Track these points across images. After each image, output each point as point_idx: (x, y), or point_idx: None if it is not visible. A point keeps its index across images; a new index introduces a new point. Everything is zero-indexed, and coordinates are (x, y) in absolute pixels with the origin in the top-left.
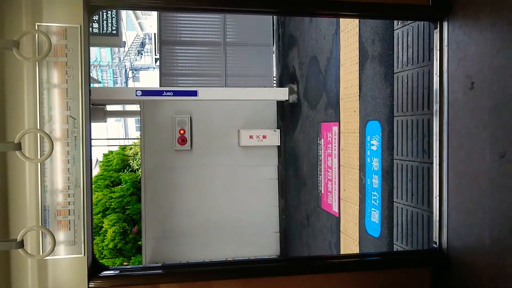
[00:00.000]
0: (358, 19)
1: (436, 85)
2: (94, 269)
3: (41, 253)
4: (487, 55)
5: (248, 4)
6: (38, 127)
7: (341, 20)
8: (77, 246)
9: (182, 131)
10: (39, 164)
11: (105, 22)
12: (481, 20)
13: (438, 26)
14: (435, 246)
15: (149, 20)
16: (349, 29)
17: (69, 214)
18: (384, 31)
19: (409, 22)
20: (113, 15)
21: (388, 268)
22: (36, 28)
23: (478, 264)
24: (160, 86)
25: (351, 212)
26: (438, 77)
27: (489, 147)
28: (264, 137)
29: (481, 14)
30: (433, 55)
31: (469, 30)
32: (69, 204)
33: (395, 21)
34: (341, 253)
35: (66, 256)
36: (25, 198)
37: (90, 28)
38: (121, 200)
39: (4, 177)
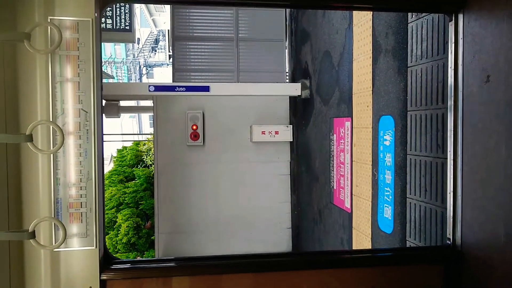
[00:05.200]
0: (371, 12)
1: (450, 79)
2: (106, 261)
3: (53, 245)
4: (503, 47)
5: None
6: (51, 120)
7: (354, 13)
8: (89, 238)
9: (194, 127)
10: (51, 156)
11: (118, 17)
12: (497, 12)
13: (453, 18)
14: (449, 242)
15: (163, 17)
16: (363, 22)
17: (81, 207)
18: (397, 24)
19: (423, 14)
20: (127, 11)
21: (401, 264)
22: (49, 21)
23: (493, 261)
24: (173, 81)
25: (364, 208)
26: (453, 71)
27: (505, 142)
28: (277, 132)
29: (497, 6)
30: (448, 48)
31: (485, 22)
32: (81, 197)
33: (409, 14)
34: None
35: (78, 248)
36: (38, 191)
37: (104, 24)
38: (134, 195)
39: (17, 169)
